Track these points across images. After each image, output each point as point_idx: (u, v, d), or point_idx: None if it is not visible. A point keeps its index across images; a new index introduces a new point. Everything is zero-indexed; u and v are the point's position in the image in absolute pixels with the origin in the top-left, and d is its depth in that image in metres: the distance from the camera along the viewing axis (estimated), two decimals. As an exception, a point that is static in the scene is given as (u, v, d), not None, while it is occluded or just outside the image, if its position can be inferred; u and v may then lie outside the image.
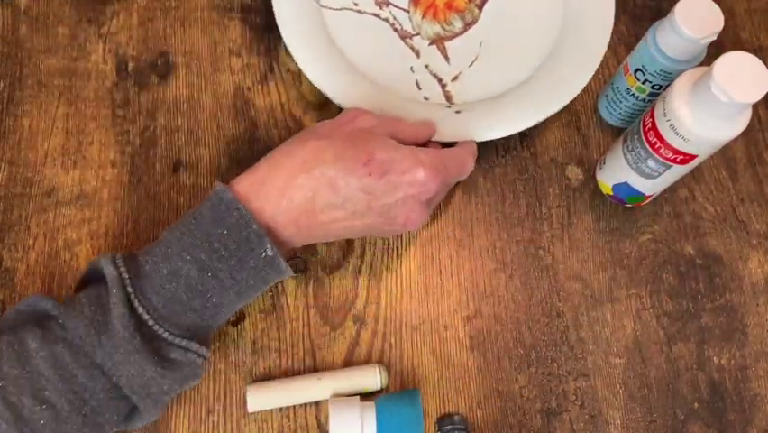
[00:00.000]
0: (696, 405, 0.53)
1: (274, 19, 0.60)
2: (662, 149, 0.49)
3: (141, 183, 0.56)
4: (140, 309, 0.41)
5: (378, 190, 0.44)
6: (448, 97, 0.59)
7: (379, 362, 0.52)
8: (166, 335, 0.42)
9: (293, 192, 0.44)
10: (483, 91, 0.59)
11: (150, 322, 0.41)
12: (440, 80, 0.59)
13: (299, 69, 0.60)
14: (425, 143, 0.53)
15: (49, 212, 0.54)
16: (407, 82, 0.59)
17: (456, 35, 0.61)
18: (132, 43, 0.60)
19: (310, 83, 0.60)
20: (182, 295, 0.42)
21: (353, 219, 0.45)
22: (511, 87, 0.59)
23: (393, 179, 0.45)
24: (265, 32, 0.62)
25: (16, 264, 0.53)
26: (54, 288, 0.52)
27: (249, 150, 0.58)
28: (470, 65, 0.60)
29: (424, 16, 0.61)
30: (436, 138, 0.54)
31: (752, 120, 0.48)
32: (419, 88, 0.59)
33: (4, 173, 0.55)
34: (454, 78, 0.59)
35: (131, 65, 0.59)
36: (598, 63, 0.57)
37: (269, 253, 0.43)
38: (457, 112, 0.56)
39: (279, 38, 0.61)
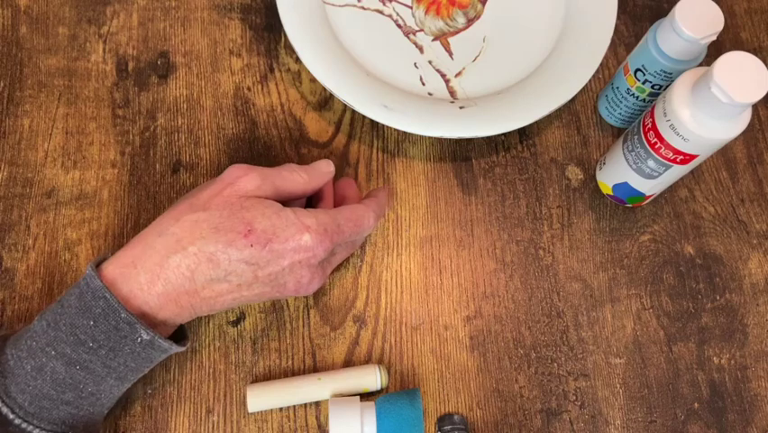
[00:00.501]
0: (696, 405, 0.53)
1: (274, 19, 0.60)
2: (663, 149, 0.49)
3: (141, 183, 0.56)
4: (4, 410, 0.40)
5: (262, 260, 0.42)
6: (452, 93, 0.59)
7: (379, 362, 0.52)
8: (36, 432, 0.40)
9: (168, 273, 0.42)
10: (487, 87, 0.59)
11: (17, 421, 0.40)
12: (443, 76, 0.60)
13: (299, 69, 0.61)
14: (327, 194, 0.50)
15: (49, 212, 0.54)
16: (412, 78, 0.59)
17: (459, 31, 0.61)
18: (132, 43, 0.60)
19: (310, 83, 0.60)
20: (50, 391, 0.40)
21: (240, 291, 0.43)
22: (514, 83, 0.59)
23: (276, 248, 0.42)
24: (265, 31, 0.62)
25: (16, 264, 0.53)
26: (54, 288, 0.52)
27: (249, 150, 0.58)
28: (474, 60, 0.60)
29: (427, 12, 0.61)
30: (442, 134, 0.55)
31: (752, 120, 0.48)
32: (423, 84, 0.59)
33: (4, 173, 0.55)
34: (458, 74, 0.60)
35: (131, 65, 0.59)
36: (601, 59, 0.58)
37: (146, 336, 0.41)
38: (461, 108, 0.57)
39: (279, 38, 0.61)
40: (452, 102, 0.58)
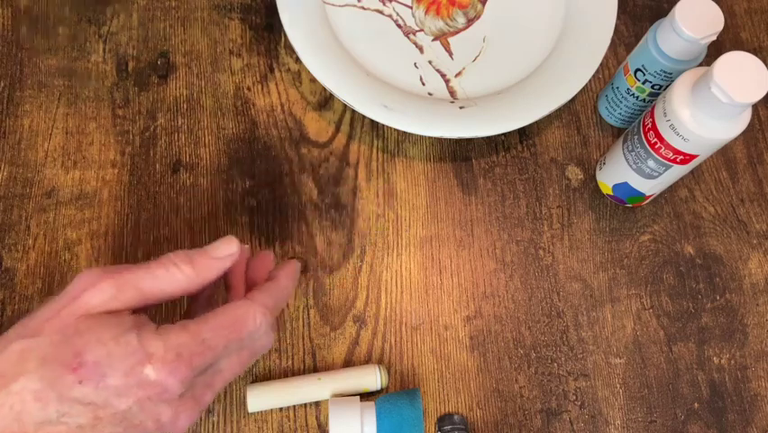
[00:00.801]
0: (696, 405, 0.53)
1: (274, 19, 0.60)
2: (663, 149, 0.49)
3: (141, 183, 0.56)
4: None
5: (99, 399, 0.35)
6: (452, 93, 0.59)
7: (379, 362, 0.52)
8: None
9: None
10: (487, 87, 0.59)
11: None
12: (443, 76, 0.60)
13: (299, 69, 0.61)
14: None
15: (49, 212, 0.54)
16: (412, 78, 0.59)
17: (459, 31, 0.61)
18: (132, 43, 0.60)
19: (310, 83, 0.60)
20: None
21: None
22: (514, 83, 0.59)
23: (113, 384, 0.35)
24: (265, 31, 0.62)
25: (16, 264, 0.53)
26: (54, 288, 0.52)
27: (249, 150, 0.58)
28: (474, 60, 0.60)
29: (427, 12, 0.61)
30: (442, 134, 0.54)
31: (752, 120, 0.48)
32: (423, 84, 0.59)
33: (4, 173, 0.55)
34: (458, 74, 0.60)
35: (131, 65, 0.59)
36: (601, 59, 0.58)
37: None
38: (461, 108, 0.57)
39: (279, 38, 0.61)
40: (452, 102, 0.58)
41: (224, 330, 0.37)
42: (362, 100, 0.55)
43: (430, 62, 0.60)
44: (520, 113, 0.56)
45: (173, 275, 0.37)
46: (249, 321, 0.38)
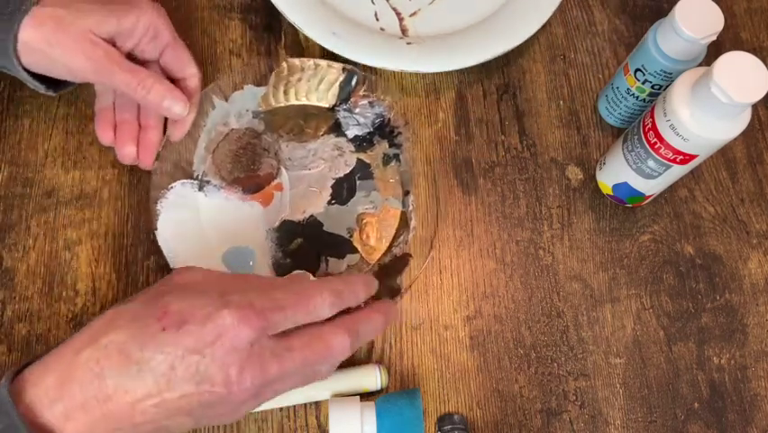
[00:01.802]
0: (696, 405, 0.53)
1: (274, 19, 0.60)
2: (663, 149, 0.49)
3: (142, 183, 0.56)
4: None
5: (178, 347, 0.36)
6: (403, 31, 0.61)
7: (379, 362, 0.52)
8: None
9: (77, 373, 0.36)
10: (438, 29, 0.61)
11: None
12: (398, 14, 0.62)
13: (299, 69, 0.61)
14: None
15: (49, 212, 0.54)
16: (367, 11, 0.62)
17: None
18: (133, 43, 0.60)
19: (310, 83, 0.60)
20: None
21: (160, 394, 0.36)
22: (463, 28, 0.61)
23: (193, 330, 0.36)
24: (265, 32, 0.62)
25: (16, 264, 0.53)
26: (54, 288, 0.52)
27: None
28: (431, 4, 0.62)
29: None
30: (385, 66, 0.56)
31: (752, 120, 0.48)
32: (377, 20, 0.61)
33: (5, 173, 0.55)
34: (413, 14, 0.62)
35: (131, 65, 0.59)
36: (549, 15, 0.59)
37: None
38: (408, 44, 0.59)
39: (280, 38, 0.61)
40: (401, 38, 0.60)
41: (293, 296, 0.39)
42: (312, 24, 0.57)
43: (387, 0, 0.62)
44: (462, 54, 0.58)
45: (284, 285, 0.41)
46: (315, 300, 0.40)
